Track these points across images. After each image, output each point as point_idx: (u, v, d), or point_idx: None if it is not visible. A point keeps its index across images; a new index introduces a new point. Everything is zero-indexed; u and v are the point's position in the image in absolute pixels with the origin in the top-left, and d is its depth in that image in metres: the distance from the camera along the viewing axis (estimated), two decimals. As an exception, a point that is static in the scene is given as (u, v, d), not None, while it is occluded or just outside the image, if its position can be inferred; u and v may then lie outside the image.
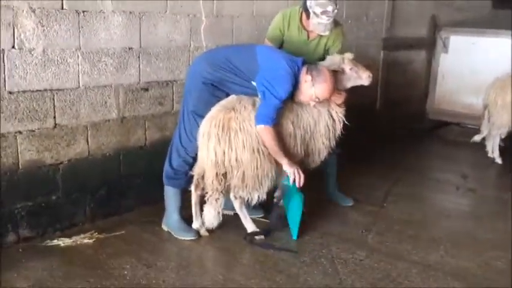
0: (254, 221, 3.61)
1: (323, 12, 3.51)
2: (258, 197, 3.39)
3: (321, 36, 3.74)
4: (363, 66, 3.80)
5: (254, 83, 3.28)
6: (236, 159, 3.24)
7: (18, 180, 3.24)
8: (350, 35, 5.68)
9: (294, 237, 3.47)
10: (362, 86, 5.70)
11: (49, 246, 3.30)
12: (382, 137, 6.13)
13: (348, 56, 3.71)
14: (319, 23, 3.56)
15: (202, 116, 3.31)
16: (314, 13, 3.53)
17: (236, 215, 3.57)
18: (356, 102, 5.72)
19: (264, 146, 3.26)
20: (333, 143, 3.71)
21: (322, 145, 3.65)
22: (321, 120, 3.60)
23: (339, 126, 3.68)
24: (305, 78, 3.30)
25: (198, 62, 3.46)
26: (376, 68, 6.29)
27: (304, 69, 3.32)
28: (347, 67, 3.64)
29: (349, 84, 3.71)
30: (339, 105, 3.67)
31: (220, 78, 3.33)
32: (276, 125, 3.28)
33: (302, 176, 3.30)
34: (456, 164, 5.47)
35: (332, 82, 3.36)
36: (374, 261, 3.19)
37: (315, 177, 3.95)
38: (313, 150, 3.63)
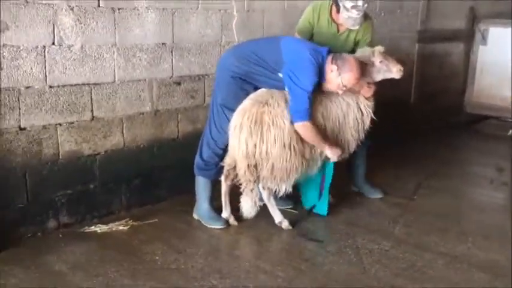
0: (283, 211, 3.69)
1: (353, 7, 3.52)
2: (285, 189, 3.47)
3: (351, 29, 3.77)
4: (394, 59, 3.80)
5: (280, 75, 3.35)
6: (266, 152, 3.32)
7: (58, 169, 3.44)
8: (383, 28, 5.68)
9: (324, 213, 3.70)
10: (396, 79, 5.69)
11: (87, 232, 3.48)
12: (416, 130, 6.09)
13: (379, 49, 3.72)
14: (349, 17, 3.57)
15: (231, 109, 3.40)
16: (344, 7, 3.54)
17: (265, 206, 3.65)
18: (390, 95, 5.74)
19: (296, 143, 3.34)
20: (362, 135, 3.74)
21: (351, 137, 3.68)
22: (350, 112, 3.63)
23: (367, 119, 3.71)
24: (331, 68, 3.34)
25: (226, 57, 3.56)
26: (411, 60, 6.25)
27: (329, 59, 3.35)
28: (377, 60, 3.66)
29: (379, 77, 3.72)
30: (367, 99, 3.69)
31: (247, 71, 3.41)
32: (312, 117, 3.35)
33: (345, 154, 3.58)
34: (492, 158, 5.36)
35: (358, 70, 3.38)
36: (399, 251, 3.22)
37: (343, 168, 4.02)
38: (342, 142, 3.66)
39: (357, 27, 3.65)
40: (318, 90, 3.45)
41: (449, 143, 5.91)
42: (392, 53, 5.81)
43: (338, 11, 3.62)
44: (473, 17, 7.04)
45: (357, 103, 3.67)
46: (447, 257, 3.15)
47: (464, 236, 3.44)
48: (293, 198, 3.87)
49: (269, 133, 3.30)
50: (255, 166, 3.38)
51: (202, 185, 3.64)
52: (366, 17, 3.74)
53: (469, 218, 3.82)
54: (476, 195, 4.33)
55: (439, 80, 6.80)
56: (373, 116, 3.73)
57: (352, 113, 3.64)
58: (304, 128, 3.30)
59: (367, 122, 3.72)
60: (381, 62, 3.66)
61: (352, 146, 3.73)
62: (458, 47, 7.05)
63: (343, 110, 3.61)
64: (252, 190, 3.41)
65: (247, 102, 3.37)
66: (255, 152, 3.33)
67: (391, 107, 5.71)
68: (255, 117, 3.30)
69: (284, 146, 3.32)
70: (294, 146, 3.34)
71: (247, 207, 3.45)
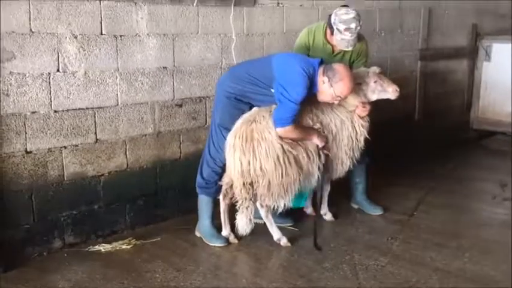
0: (283, 229, 3.76)
1: (346, 29, 3.62)
2: (284, 205, 3.54)
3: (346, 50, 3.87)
4: (389, 80, 3.89)
5: (273, 90, 3.45)
6: (261, 168, 3.41)
7: (63, 190, 3.57)
8: (384, 47, 5.79)
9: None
10: (401, 98, 5.76)
11: (91, 251, 3.58)
12: (420, 147, 6.12)
13: (374, 69, 3.82)
14: (342, 39, 3.68)
15: (228, 129, 3.51)
16: (338, 29, 3.65)
17: (265, 224, 3.73)
18: (393, 113, 5.82)
19: (289, 155, 3.42)
20: (357, 154, 3.81)
21: (345, 155, 3.75)
22: (343, 129, 3.71)
23: (361, 138, 3.78)
24: (322, 79, 3.42)
25: (222, 79, 3.70)
26: (414, 78, 6.33)
27: (320, 70, 3.43)
28: (371, 80, 3.75)
29: (374, 97, 3.81)
30: (362, 118, 3.77)
31: (241, 90, 3.53)
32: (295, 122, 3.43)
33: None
34: (496, 174, 5.37)
35: (350, 79, 3.45)
36: (395, 267, 3.25)
37: (343, 185, 4.09)
38: (336, 157, 3.72)
39: (350, 48, 3.74)
40: (313, 102, 3.55)
41: (453, 159, 5.92)
42: (395, 71, 5.96)
43: (332, 33, 3.72)
44: (476, 34, 7.10)
45: (351, 121, 3.74)
46: (442, 272, 3.18)
47: (461, 252, 3.47)
48: (293, 216, 3.94)
49: (260, 148, 3.38)
50: (251, 184, 3.47)
51: (203, 203, 3.73)
52: (360, 38, 3.84)
53: (467, 233, 3.83)
54: (477, 211, 4.34)
55: (443, 97, 6.85)
56: (367, 136, 3.80)
57: (346, 130, 3.72)
58: (286, 131, 3.39)
59: (362, 141, 3.79)
60: (375, 82, 3.75)
61: (347, 164, 3.80)
62: (462, 64, 7.11)
63: (336, 126, 3.68)
64: (247, 208, 3.50)
65: (238, 122, 3.48)
66: (250, 170, 3.42)
67: (394, 124, 5.79)
68: (245, 135, 3.40)
69: (277, 159, 3.39)
70: (288, 159, 3.41)
71: (243, 224, 3.52)
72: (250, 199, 3.50)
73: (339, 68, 3.45)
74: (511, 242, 3.57)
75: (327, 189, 4.01)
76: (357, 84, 3.67)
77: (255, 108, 3.56)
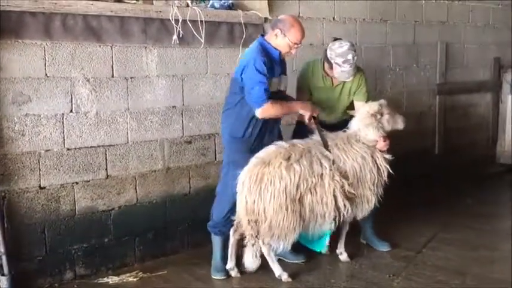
0: (288, 264, 3.83)
1: (344, 61, 3.76)
2: (284, 247, 3.58)
3: (345, 81, 3.97)
4: (396, 111, 3.95)
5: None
6: (264, 210, 3.48)
7: (75, 224, 3.76)
8: (399, 82, 5.85)
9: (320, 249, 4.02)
10: (419, 132, 5.76)
11: (100, 283, 3.73)
12: (441, 183, 6.04)
13: (382, 102, 3.89)
14: (343, 71, 3.81)
15: (239, 165, 3.56)
16: (336, 63, 3.79)
17: (279, 260, 3.78)
18: (411, 148, 5.81)
19: (295, 204, 3.46)
20: (381, 190, 3.82)
21: (369, 191, 3.75)
22: (365, 165, 3.73)
23: (384, 173, 3.80)
24: (275, 34, 3.54)
25: (222, 119, 3.84)
26: (433, 113, 6.31)
27: (268, 33, 3.61)
28: (385, 111, 3.82)
29: (389, 128, 3.87)
30: (383, 152, 3.81)
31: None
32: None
33: (316, 111, 3.71)
34: (518, 210, 5.24)
35: (299, 23, 3.56)
36: (392, 304, 3.24)
37: (353, 221, 4.07)
38: (361, 196, 3.74)
39: (350, 78, 3.87)
40: (333, 140, 3.66)
41: (474, 195, 5.79)
42: (412, 106, 5.97)
43: (331, 67, 3.85)
44: (500, 67, 7.04)
45: (372, 156, 3.77)
46: (439, 310, 3.14)
47: (461, 290, 3.42)
48: (305, 253, 3.99)
49: (266, 192, 3.44)
50: (255, 222, 3.54)
51: (214, 240, 3.82)
52: (358, 68, 3.97)
53: (473, 271, 3.75)
54: (489, 248, 4.23)
55: (466, 131, 6.78)
56: (390, 170, 3.81)
57: (368, 166, 3.74)
58: (264, 110, 3.46)
59: (385, 176, 3.81)
60: (388, 113, 3.81)
61: (372, 201, 3.78)
62: (485, 97, 7.04)
63: (358, 163, 3.70)
64: (253, 245, 3.58)
65: (252, 161, 3.54)
66: (254, 209, 3.49)
67: (413, 160, 5.77)
68: (256, 176, 3.47)
69: (280, 206, 3.44)
70: (290, 207, 3.45)
71: (249, 260, 3.62)
72: (256, 236, 3.57)
73: (286, 17, 3.58)
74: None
75: (346, 228, 3.97)
76: (374, 118, 3.76)
77: (271, 147, 3.58)
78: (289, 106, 3.64)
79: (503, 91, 7.06)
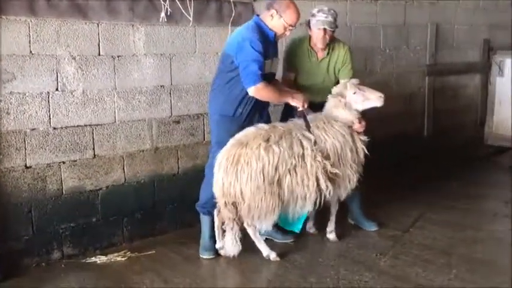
0: (275, 243, 3.85)
1: (319, 11, 3.83)
2: (265, 228, 3.59)
3: (330, 55, 3.97)
4: (371, 88, 3.91)
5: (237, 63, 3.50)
6: (241, 192, 3.45)
7: (62, 204, 3.73)
8: (389, 64, 5.83)
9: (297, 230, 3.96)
10: (408, 113, 5.71)
11: (87, 263, 3.73)
12: (430, 164, 6.09)
13: (352, 81, 3.87)
14: (318, 20, 3.82)
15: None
16: (312, 15, 3.86)
17: (267, 239, 3.82)
18: (399, 129, 5.83)
19: (272, 186, 3.43)
20: (360, 168, 3.81)
21: (350, 170, 3.74)
22: (346, 143, 3.71)
23: (361, 155, 3.80)
24: (270, 14, 3.51)
25: (210, 98, 3.79)
26: (422, 94, 6.32)
27: (264, 13, 3.57)
28: (350, 92, 3.79)
29: (360, 107, 3.82)
30: (359, 134, 3.81)
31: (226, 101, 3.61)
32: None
33: (307, 101, 3.63)
34: (504, 191, 5.28)
35: (295, 5, 3.54)
36: (378, 283, 3.27)
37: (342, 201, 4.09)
38: (343, 177, 3.72)
39: (326, 27, 3.80)
40: (314, 122, 3.63)
41: (462, 176, 5.83)
42: (401, 87, 5.97)
43: (310, 27, 3.86)
44: (489, 49, 7.04)
45: (351, 135, 3.77)
46: (424, 288, 3.18)
47: (448, 268, 3.45)
48: (293, 233, 4.00)
49: (243, 173, 3.40)
50: (233, 204, 3.50)
51: (202, 220, 3.81)
52: (342, 44, 4.01)
53: (459, 250, 3.79)
54: (475, 228, 4.27)
55: (454, 113, 6.80)
56: (366, 151, 3.82)
57: (348, 144, 3.73)
58: (257, 89, 3.42)
59: (362, 157, 3.82)
60: (354, 93, 3.78)
61: (354, 180, 3.78)
62: (474, 79, 7.05)
63: (339, 141, 3.68)
64: (231, 228, 3.55)
65: (229, 143, 3.51)
66: (230, 191, 3.46)
67: (401, 141, 5.79)
68: (232, 157, 3.43)
69: (258, 187, 3.40)
70: (267, 188, 3.41)
71: (229, 245, 3.59)
72: (234, 219, 3.53)
73: None
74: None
75: (336, 207, 3.98)
76: (338, 99, 3.76)
77: (251, 129, 3.55)
78: (282, 95, 3.59)
79: (492, 73, 7.07)
